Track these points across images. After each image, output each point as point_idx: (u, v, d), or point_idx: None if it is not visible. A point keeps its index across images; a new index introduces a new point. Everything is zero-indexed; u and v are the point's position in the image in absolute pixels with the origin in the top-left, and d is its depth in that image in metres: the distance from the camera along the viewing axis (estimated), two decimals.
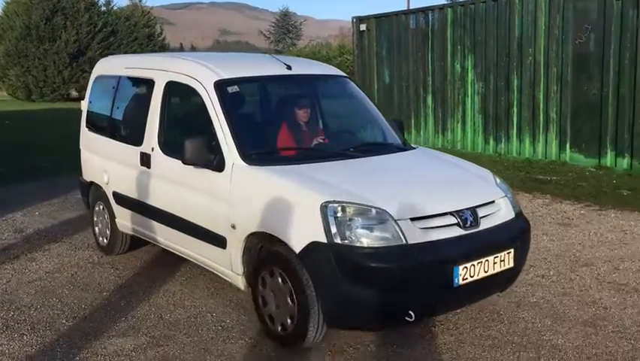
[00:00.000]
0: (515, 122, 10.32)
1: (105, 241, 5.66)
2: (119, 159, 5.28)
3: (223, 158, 4.06)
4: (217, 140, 4.12)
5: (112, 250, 5.60)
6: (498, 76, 10.52)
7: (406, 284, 3.43)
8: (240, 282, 4.05)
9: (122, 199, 5.27)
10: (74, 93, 31.27)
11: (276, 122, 4.77)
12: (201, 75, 4.46)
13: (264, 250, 3.88)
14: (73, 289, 4.81)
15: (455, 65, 11.27)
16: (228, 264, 4.09)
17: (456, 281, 3.50)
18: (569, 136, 9.58)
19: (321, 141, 4.72)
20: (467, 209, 3.72)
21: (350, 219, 3.45)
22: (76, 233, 6.38)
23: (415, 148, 4.84)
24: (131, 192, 5.09)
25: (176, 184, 4.49)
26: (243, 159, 4.01)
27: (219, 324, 4.13)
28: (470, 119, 11.17)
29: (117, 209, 5.39)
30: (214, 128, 4.17)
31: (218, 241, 4.11)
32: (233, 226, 3.96)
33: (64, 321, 4.21)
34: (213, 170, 4.09)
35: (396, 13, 12.55)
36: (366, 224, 3.46)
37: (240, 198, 3.95)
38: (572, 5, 9.29)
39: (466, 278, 3.54)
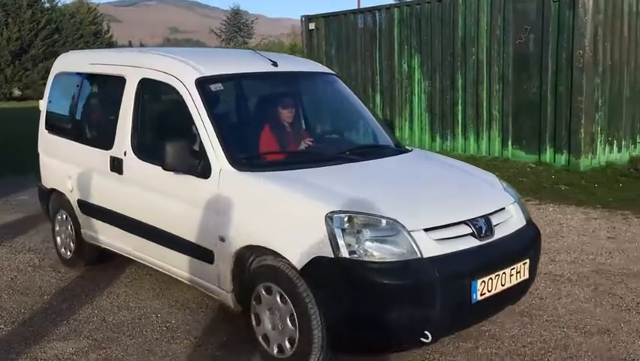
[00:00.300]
0: (460, 120, 10.59)
1: (69, 253, 5.23)
2: (85, 164, 4.84)
3: (209, 163, 3.69)
4: (201, 143, 3.76)
5: (77, 262, 5.17)
6: (443, 75, 10.76)
7: (423, 302, 3.12)
8: (230, 300, 3.68)
9: (89, 208, 4.82)
10: (17, 92, 30.23)
11: (264, 122, 4.38)
12: (180, 72, 4.08)
13: (259, 265, 3.50)
14: (13, 294, 4.68)
15: (402, 64, 11.46)
16: (215, 280, 3.73)
17: (474, 297, 3.23)
18: (510, 133, 9.88)
19: (310, 143, 4.38)
20: (481, 217, 3.44)
21: (358, 231, 3.12)
22: (17, 236, 6.21)
23: (411, 150, 4.55)
24: (100, 201, 4.66)
25: (153, 192, 4.09)
26: (231, 164, 3.65)
27: (164, 325, 4.10)
28: (417, 118, 11.39)
29: (83, 219, 4.94)
30: (197, 131, 3.81)
31: (204, 255, 3.74)
32: (222, 239, 3.58)
33: (2, 326, 4.10)
34: (197, 176, 3.73)
35: (345, 13, 12.67)
36: (376, 236, 3.14)
37: (230, 207, 3.58)
38: (512, 6, 9.59)
39: (484, 293, 3.28)
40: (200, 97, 3.89)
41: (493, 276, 3.32)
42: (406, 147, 4.62)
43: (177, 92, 4.02)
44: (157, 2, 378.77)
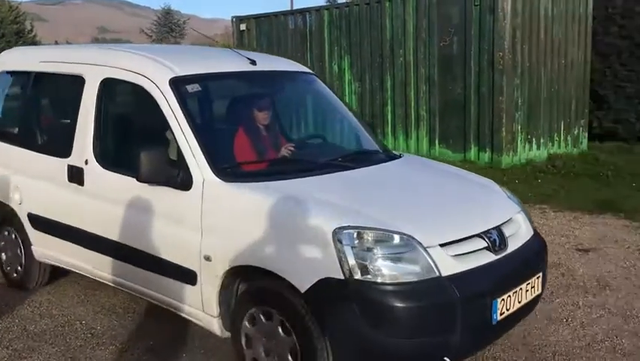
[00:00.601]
0: (390, 120, 10.83)
1: (15, 273, 4.71)
2: (36, 173, 4.33)
3: (189, 173, 3.32)
4: (180, 151, 3.39)
5: (26, 283, 4.66)
6: (373, 76, 10.98)
7: (443, 326, 2.84)
8: (215, 325, 3.34)
9: (42, 223, 4.32)
10: None
11: (242, 126, 4.02)
12: (151, 71, 3.67)
13: (253, 288, 3.20)
14: None
15: (333, 66, 11.61)
16: (199, 303, 3.36)
17: (495, 317, 3.00)
18: (437, 133, 10.20)
19: (292, 149, 4.00)
20: (494, 229, 3.21)
21: (369, 249, 2.83)
22: None
23: (400, 155, 4.23)
24: (56, 215, 4.17)
25: (123, 205, 3.65)
26: (216, 175, 3.28)
27: (89, 331, 4.01)
28: None
29: (35, 235, 4.42)
30: (175, 137, 3.44)
31: (186, 276, 3.36)
32: (208, 258, 3.22)
33: None
34: (176, 188, 3.35)
35: (276, 14, 12.70)
36: (390, 254, 2.85)
37: (217, 223, 3.22)
38: (436, 10, 9.89)
39: (503, 312, 3.05)
40: (176, 99, 3.50)
41: (511, 293, 3.09)
42: (394, 152, 4.38)
43: (148, 94, 3.60)
44: (83, 1, 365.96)
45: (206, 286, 3.29)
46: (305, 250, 2.91)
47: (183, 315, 3.55)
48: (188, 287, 3.39)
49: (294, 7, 19.70)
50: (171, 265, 3.43)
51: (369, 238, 2.86)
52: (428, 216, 3.18)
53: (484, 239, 3.12)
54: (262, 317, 3.12)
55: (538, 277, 3.35)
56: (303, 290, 2.87)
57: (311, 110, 4.94)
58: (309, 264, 2.88)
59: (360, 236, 2.85)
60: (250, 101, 4.19)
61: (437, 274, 2.85)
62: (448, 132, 10.07)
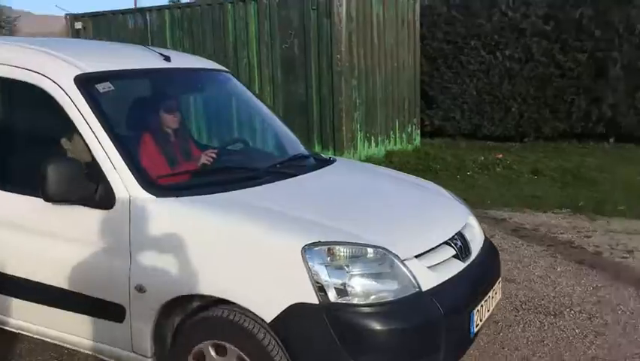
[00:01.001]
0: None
1: None
2: None
3: (111, 189, 2.81)
4: (95, 163, 2.86)
5: None
6: None
7: (429, 346, 2.59)
8: None
9: None
10: None
11: (153, 131, 3.55)
12: (51, 69, 3.09)
13: (201, 319, 2.71)
14: None
15: None
16: (127, 343, 2.86)
17: (473, 330, 2.81)
18: None
19: (213, 155, 3.58)
20: (456, 235, 3.01)
21: (344, 267, 2.52)
22: None
23: (333, 159, 3.91)
24: None
25: (21, 231, 3.04)
26: (145, 189, 2.79)
27: None
28: None
29: None
30: (88, 146, 2.90)
31: (111, 312, 2.85)
32: (140, 289, 2.74)
33: None
34: (95, 207, 2.83)
35: (114, 12, 12.18)
36: (367, 271, 2.55)
37: (152, 246, 2.74)
38: (277, 13, 10.14)
39: (478, 323, 2.86)
40: (85, 101, 2.96)
41: (483, 302, 2.91)
42: (322, 155, 4.07)
43: (49, 96, 3.01)
44: None
45: (138, 321, 2.80)
46: (269, 273, 2.52)
47: (106, 359, 3.04)
48: (113, 325, 2.87)
49: (139, 6, 19.04)
50: (91, 301, 2.89)
51: (343, 255, 2.55)
52: (397, 226, 2.90)
53: (451, 246, 2.93)
54: (213, 353, 2.69)
55: (499, 282, 3.22)
56: (269, 319, 2.49)
57: (233, 112, 4.55)
58: (275, 288, 2.50)
59: (331, 252, 2.52)
60: (173, 101, 3.79)
61: (418, 289, 2.58)
62: (293, 131, 10.30)
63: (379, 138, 10.70)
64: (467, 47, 11.83)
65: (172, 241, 2.71)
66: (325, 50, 9.73)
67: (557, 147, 11.13)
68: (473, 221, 3.39)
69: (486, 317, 2.99)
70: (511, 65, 11.46)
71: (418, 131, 11.79)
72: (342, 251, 2.55)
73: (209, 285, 2.62)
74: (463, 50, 11.88)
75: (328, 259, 2.51)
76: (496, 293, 3.14)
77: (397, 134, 11.17)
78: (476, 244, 3.17)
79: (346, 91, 9.74)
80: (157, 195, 2.82)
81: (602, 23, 10.68)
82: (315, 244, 2.50)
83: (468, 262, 2.97)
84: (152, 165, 3.12)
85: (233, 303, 2.57)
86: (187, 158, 3.62)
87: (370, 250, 2.57)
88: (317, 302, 2.45)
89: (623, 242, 5.77)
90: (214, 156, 3.59)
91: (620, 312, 4.26)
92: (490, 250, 3.34)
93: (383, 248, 2.58)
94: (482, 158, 10.10)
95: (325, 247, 2.52)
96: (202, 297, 2.69)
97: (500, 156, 10.32)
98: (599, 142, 11.22)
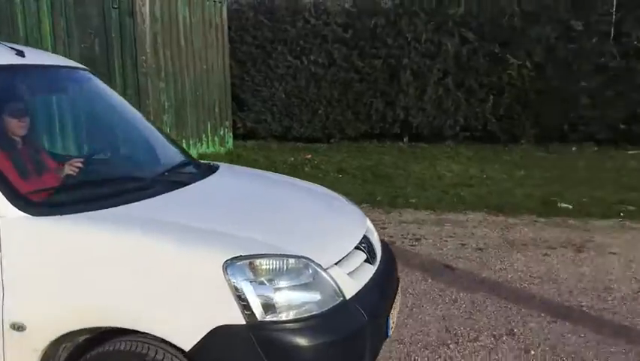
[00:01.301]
0: None
1: None
2: None
3: None
4: None
5: None
6: None
7: (357, 353, 2.50)
8: None
9: None
10: None
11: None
12: None
13: (99, 354, 2.33)
14: None
15: None
16: None
17: (389, 333, 2.81)
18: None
19: (79, 165, 3.16)
20: (363, 238, 2.96)
21: (267, 281, 2.32)
22: None
23: (216, 164, 3.63)
24: None
25: None
26: (20, 208, 2.39)
27: None
28: None
29: None
30: None
31: None
32: (18, 327, 2.34)
33: None
34: None
35: None
36: (292, 283, 2.37)
37: (32, 275, 2.34)
38: (73, 10, 9.53)
39: (392, 326, 2.87)
40: None
41: (394, 305, 2.92)
42: (200, 160, 3.84)
43: None
44: None
45: None
46: (185, 295, 2.24)
47: None
48: None
49: None
50: None
51: (266, 268, 2.36)
52: (311, 234, 2.79)
53: (362, 250, 2.90)
54: None
55: (399, 283, 3.23)
56: (187, 348, 2.22)
57: (96, 116, 4.08)
58: (192, 312, 2.23)
59: (253, 266, 2.32)
60: (4, 104, 3.23)
61: (342, 298, 2.50)
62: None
63: (191, 141, 10.58)
64: (275, 51, 12.21)
65: (57, 266, 2.35)
66: (129, 51, 9.36)
67: (360, 147, 11.98)
68: (371, 225, 3.39)
69: (396, 318, 3.03)
70: (316, 70, 12.07)
71: (231, 134, 11.88)
72: (264, 264, 2.36)
73: (110, 316, 2.31)
74: (271, 54, 12.23)
75: (251, 274, 2.31)
76: (399, 295, 3.18)
77: (209, 137, 11.14)
78: (377, 247, 3.18)
79: (154, 93, 9.49)
80: (36, 215, 2.43)
81: (394, 32, 11.73)
82: (236, 259, 2.29)
83: (376, 266, 2.96)
84: (17, 179, 2.69)
85: (142, 333, 2.27)
86: (39, 170, 3.18)
87: (293, 261, 2.42)
88: (243, 322, 2.24)
89: (412, 232, 6.42)
90: (80, 165, 3.19)
91: (408, 295, 4.74)
92: (387, 250, 3.35)
93: (306, 258, 2.45)
94: (292, 159, 10.51)
95: (247, 261, 2.32)
96: (97, 329, 2.38)
97: (309, 156, 10.83)
98: (395, 141, 12.30)
